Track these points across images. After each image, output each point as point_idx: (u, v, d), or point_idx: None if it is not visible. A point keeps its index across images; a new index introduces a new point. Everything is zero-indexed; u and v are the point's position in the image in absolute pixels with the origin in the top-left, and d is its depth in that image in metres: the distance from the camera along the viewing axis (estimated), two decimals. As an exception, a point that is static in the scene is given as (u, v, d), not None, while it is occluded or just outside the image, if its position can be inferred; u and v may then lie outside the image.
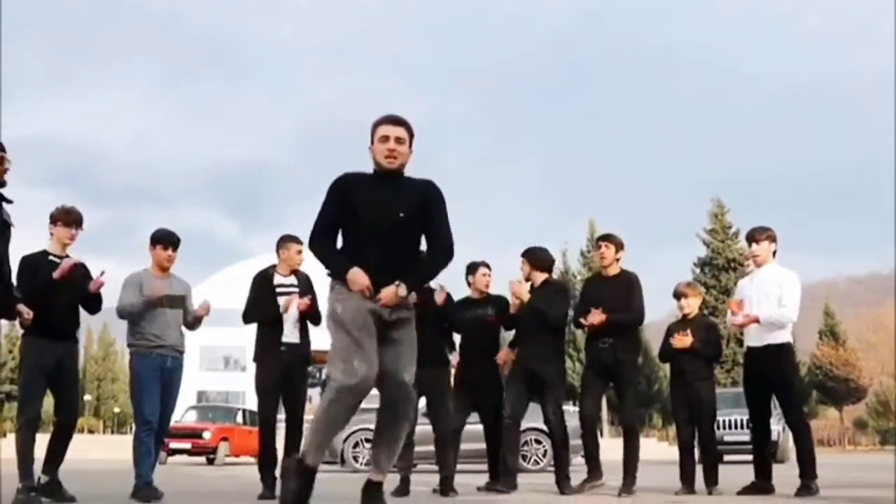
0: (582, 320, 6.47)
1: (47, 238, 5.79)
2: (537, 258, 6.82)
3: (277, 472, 6.34)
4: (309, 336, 6.49)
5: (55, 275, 5.53)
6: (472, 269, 7.02)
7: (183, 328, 6.25)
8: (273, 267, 6.47)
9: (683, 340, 6.55)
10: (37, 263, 5.63)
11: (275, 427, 6.46)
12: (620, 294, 6.42)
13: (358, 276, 3.89)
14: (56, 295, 5.55)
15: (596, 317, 6.29)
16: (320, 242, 4.09)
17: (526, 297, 6.56)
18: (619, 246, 6.59)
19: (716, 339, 6.89)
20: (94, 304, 5.88)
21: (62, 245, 5.77)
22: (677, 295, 6.82)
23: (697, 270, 40.87)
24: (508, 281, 6.79)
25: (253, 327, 6.50)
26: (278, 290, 6.36)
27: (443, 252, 4.14)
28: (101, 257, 6.13)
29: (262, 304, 6.37)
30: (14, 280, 5.46)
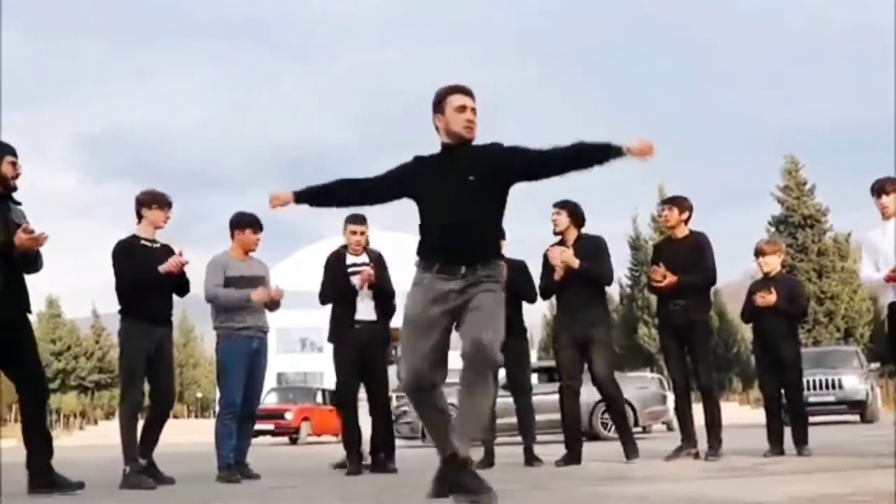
0: (654, 283, 6.35)
1: (135, 222, 5.83)
2: (578, 213, 6.48)
3: (363, 449, 6.44)
4: (383, 313, 6.53)
5: (163, 268, 5.60)
6: None
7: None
8: (345, 247, 6.56)
9: (767, 299, 6.40)
10: (133, 248, 5.73)
11: (356, 404, 6.53)
12: (690, 255, 6.31)
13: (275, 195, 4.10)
14: (154, 280, 5.66)
15: (667, 278, 6.21)
16: (341, 179, 4.11)
17: (576, 263, 6.25)
18: (684, 208, 6.45)
19: (800, 297, 6.73)
20: (182, 287, 5.89)
21: (154, 228, 5.82)
22: (758, 253, 6.68)
23: (773, 229, 39.93)
24: (549, 248, 6.47)
25: (328, 309, 6.58)
26: (350, 269, 6.44)
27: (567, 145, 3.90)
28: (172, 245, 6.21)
29: (335, 285, 6.45)
30: (112, 265, 5.67)
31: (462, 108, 3.92)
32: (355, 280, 6.36)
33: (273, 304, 6.36)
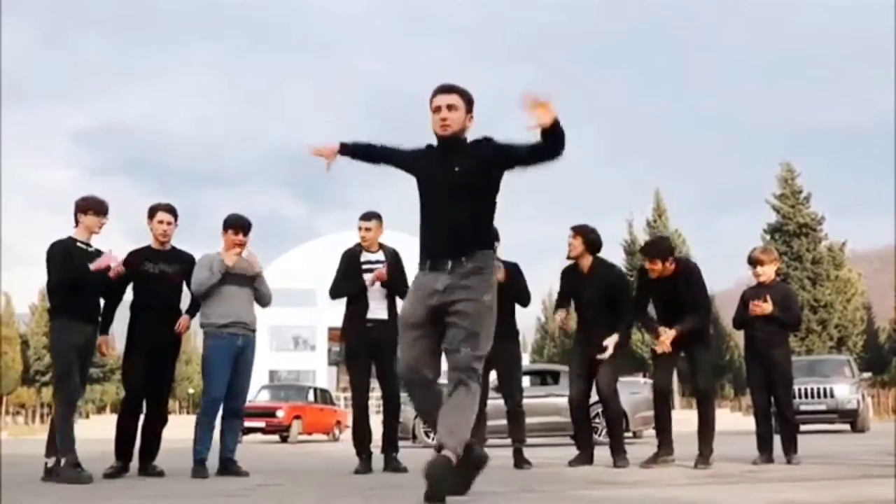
0: (656, 349, 6.18)
1: (72, 225, 5.92)
2: (594, 239, 6.47)
3: (373, 447, 6.44)
4: (398, 312, 6.49)
5: (94, 266, 5.68)
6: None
7: (256, 306, 6.37)
8: (360, 244, 6.57)
9: (763, 307, 6.37)
10: (68, 248, 5.81)
11: (366, 402, 6.53)
12: (681, 290, 6.14)
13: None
14: (87, 280, 5.74)
15: (666, 338, 6.09)
16: (376, 143, 4.41)
17: (615, 343, 6.33)
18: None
19: (793, 306, 6.71)
20: (114, 292, 6.03)
21: (89, 233, 5.92)
22: (752, 261, 6.64)
23: (768, 237, 40.03)
24: (556, 316, 6.64)
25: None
26: (364, 266, 6.44)
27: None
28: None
29: (346, 280, 6.46)
30: (46, 264, 5.71)
31: (437, 109, 4.09)
32: (367, 277, 6.36)
33: (263, 297, 6.37)
